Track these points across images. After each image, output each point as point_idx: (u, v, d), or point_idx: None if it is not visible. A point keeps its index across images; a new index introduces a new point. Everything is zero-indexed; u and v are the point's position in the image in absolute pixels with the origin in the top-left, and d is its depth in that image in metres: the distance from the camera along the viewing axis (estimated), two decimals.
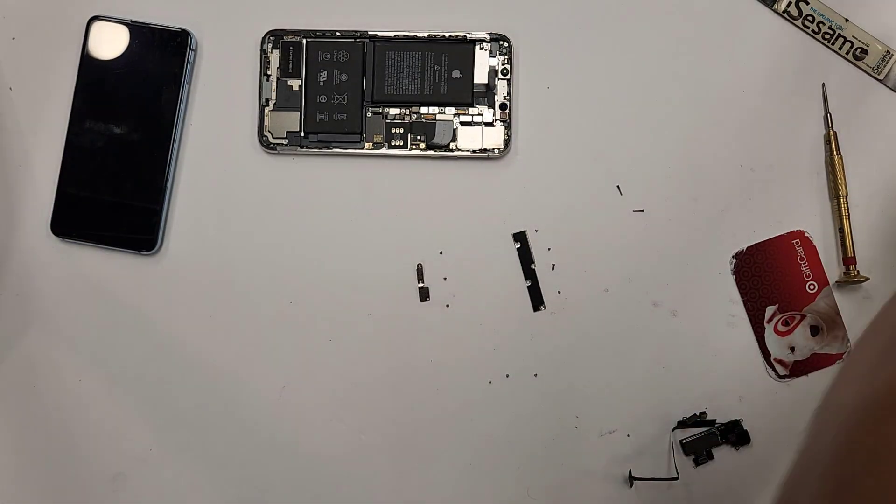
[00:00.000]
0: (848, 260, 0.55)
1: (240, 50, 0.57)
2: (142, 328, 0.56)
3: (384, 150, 0.56)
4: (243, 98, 0.57)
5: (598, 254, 0.56)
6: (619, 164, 0.56)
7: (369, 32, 0.56)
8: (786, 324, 0.55)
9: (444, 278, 0.56)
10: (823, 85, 0.56)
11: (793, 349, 0.55)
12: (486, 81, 0.56)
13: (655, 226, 0.56)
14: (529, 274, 0.56)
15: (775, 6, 0.56)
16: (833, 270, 0.55)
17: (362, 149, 0.56)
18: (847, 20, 0.56)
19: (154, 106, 0.56)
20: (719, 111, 0.56)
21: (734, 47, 0.56)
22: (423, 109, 0.56)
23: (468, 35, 0.56)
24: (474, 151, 0.56)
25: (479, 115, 0.56)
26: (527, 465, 0.55)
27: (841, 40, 0.56)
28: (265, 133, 0.56)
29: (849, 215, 0.55)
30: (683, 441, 0.54)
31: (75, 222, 0.56)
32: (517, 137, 0.56)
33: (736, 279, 0.55)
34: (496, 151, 0.55)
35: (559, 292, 0.56)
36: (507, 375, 0.56)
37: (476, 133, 0.56)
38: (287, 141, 0.56)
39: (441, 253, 0.56)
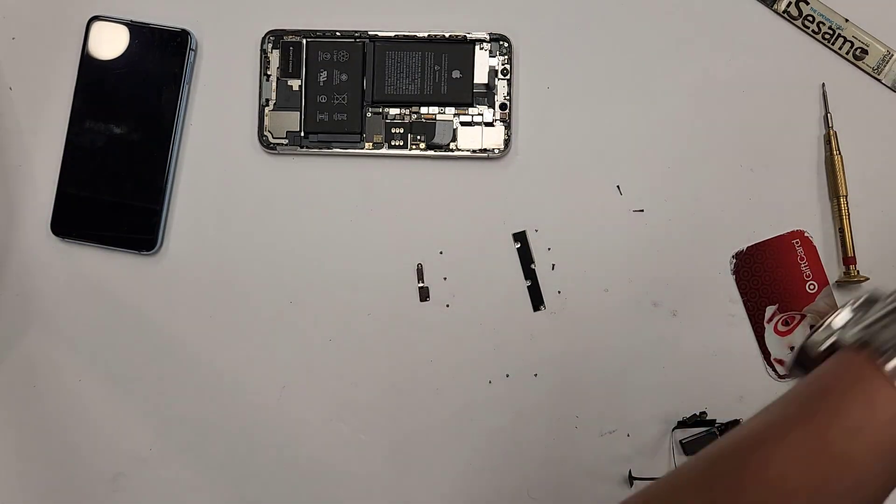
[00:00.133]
0: (848, 260, 0.55)
1: (240, 50, 0.57)
2: (142, 328, 0.56)
3: (384, 150, 0.56)
4: (243, 98, 0.57)
5: (598, 254, 0.56)
6: (619, 164, 0.56)
7: (369, 32, 0.56)
8: (786, 324, 0.55)
9: (444, 278, 0.56)
10: (823, 85, 0.56)
11: (793, 349, 0.55)
12: (486, 81, 0.56)
13: (655, 226, 0.56)
14: (529, 274, 0.56)
15: (775, 6, 0.56)
16: (833, 270, 0.55)
17: (362, 149, 0.56)
18: (847, 20, 0.56)
19: (154, 106, 0.56)
20: (719, 111, 0.56)
21: (734, 47, 0.56)
22: (423, 109, 0.56)
23: (468, 35, 0.56)
24: (474, 151, 0.56)
25: (479, 115, 0.56)
26: (527, 465, 0.55)
27: (841, 40, 0.56)
28: (265, 133, 0.56)
29: (849, 215, 0.55)
30: (683, 441, 0.54)
31: (75, 222, 0.56)
32: (517, 137, 0.56)
33: (736, 279, 0.55)
34: (496, 151, 0.55)
35: (559, 292, 0.56)
36: (507, 375, 0.56)
37: (476, 133, 0.56)
38: (287, 141, 0.56)
39: (441, 253, 0.56)
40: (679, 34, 0.56)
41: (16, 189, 0.57)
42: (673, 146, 0.56)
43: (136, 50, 0.56)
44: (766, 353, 0.55)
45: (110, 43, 0.56)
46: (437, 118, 0.56)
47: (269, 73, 0.56)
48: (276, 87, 0.56)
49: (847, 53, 0.56)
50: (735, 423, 0.54)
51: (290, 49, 0.56)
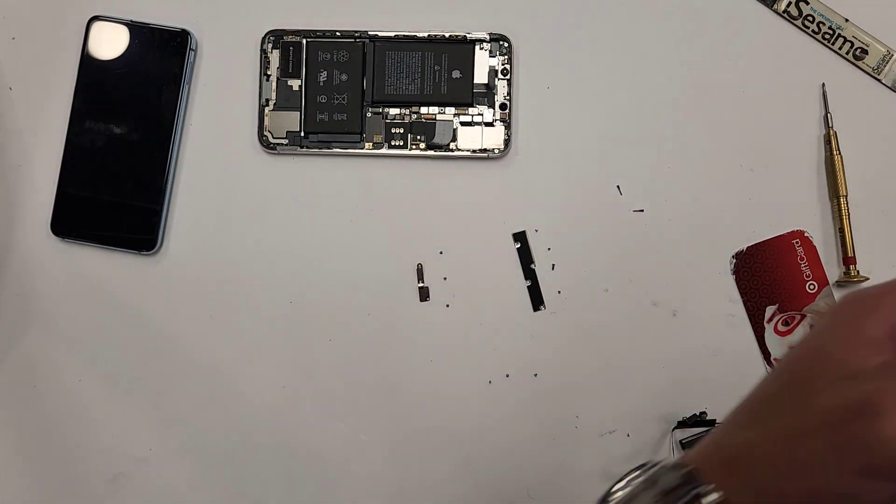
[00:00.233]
0: (848, 260, 0.55)
1: (240, 50, 0.57)
2: (142, 328, 0.56)
3: (384, 150, 0.56)
4: (243, 98, 0.57)
5: (598, 254, 0.56)
6: (619, 164, 0.56)
7: (369, 32, 0.56)
8: (786, 324, 0.55)
9: (444, 278, 0.56)
10: (823, 85, 0.56)
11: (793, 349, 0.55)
12: (486, 81, 0.56)
13: (655, 226, 0.56)
14: (529, 274, 0.56)
15: (775, 6, 0.56)
16: (833, 270, 0.55)
17: (362, 149, 0.56)
18: (847, 20, 0.56)
19: (154, 106, 0.56)
20: (719, 111, 0.56)
21: (734, 47, 0.56)
22: (423, 109, 0.56)
23: (468, 35, 0.56)
24: (474, 151, 0.56)
25: (479, 115, 0.56)
26: (527, 465, 0.55)
27: (841, 40, 0.56)
28: (265, 133, 0.56)
29: (849, 215, 0.55)
30: (683, 441, 0.54)
31: (75, 222, 0.56)
32: (517, 137, 0.56)
33: (736, 279, 0.55)
34: (496, 151, 0.55)
35: (559, 292, 0.56)
36: (507, 375, 0.55)
37: (476, 133, 0.56)
38: (287, 141, 0.56)
39: (441, 253, 0.56)
40: (679, 34, 0.56)
41: (16, 189, 0.57)
42: (673, 146, 0.56)
43: (136, 50, 0.56)
44: (766, 353, 0.55)
45: (110, 43, 0.56)
46: (437, 118, 0.56)
47: (269, 73, 0.56)
48: (276, 87, 0.56)
49: (847, 53, 0.56)
50: None
51: (290, 49, 0.56)
